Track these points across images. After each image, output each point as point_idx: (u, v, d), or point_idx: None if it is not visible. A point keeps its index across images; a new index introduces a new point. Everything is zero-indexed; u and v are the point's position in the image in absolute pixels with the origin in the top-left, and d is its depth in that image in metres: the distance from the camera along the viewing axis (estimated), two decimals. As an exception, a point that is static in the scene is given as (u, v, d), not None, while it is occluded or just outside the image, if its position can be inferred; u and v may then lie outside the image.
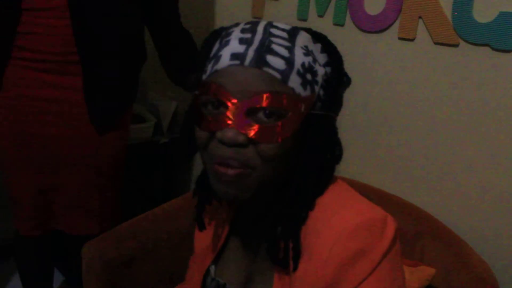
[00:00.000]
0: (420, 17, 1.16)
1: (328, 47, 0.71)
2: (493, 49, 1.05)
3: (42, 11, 1.18)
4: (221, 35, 0.72)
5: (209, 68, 0.68)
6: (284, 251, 0.67)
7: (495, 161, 1.08)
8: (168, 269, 1.20)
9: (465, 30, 1.08)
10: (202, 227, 0.82)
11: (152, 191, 2.04)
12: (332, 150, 0.71)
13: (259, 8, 1.58)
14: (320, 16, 1.39)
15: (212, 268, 0.83)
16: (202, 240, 0.88)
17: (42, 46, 1.20)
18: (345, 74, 0.72)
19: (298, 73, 0.66)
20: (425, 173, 1.22)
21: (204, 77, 0.70)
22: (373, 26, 1.26)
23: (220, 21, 1.77)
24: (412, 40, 1.19)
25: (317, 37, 0.71)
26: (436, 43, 1.14)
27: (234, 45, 0.66)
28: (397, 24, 1.21)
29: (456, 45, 1.11)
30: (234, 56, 0.65)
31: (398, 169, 1.27)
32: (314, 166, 0.69)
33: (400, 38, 1.21)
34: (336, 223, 0.65)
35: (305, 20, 1.43)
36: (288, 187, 0.69)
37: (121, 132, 1.38)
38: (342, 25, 1.34)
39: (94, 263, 1.09)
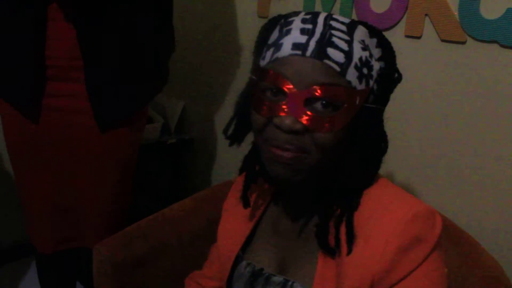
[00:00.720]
0: (426, 15, 1.15)
1: (383, 42, 0.74)
2: (501, 45, 1.04)
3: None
4: (279, 22, 0.74)
5: (268, 55, 0.71)
6: (335, 236, 0.70)
7: (505, 159, 1.08)
8: (177, 270, 1.20)
9: (472, 27, 1.07)
10: (246, 205, 0.84)
11: (161, 191, 2.05)
12: (380, 141, 0.74)
13: (264, 7, 1.58)
14: (326, 14, 1.38)
15: (240, 254, 0.85)
16: (229, 227, 0.90)
17: (49, 51, 1.18)
18: (397, 70, 0.76)
19: (356, 66, 0.68)
20: (434, 172, 1.21)
21: (262, 63, 0.72)
22: (380, 24, 1.25)
23: (226, 21, 1.77)
24: (419, 37, 1.18)
25: (373, 31, 0.74)
26: (443, 40, 1.14)
27: (295, 35, 0.68)
28: (403, 21, 1.21)
29: (463, 42, 1.10)
30: (296, 46, 0.67)
31: (406, 167, 1.27)
32: (364, 155, 0.73)
33: (407, 36, 1.20)
34: (394, 211, 0.68)
35: (311, 18, 1.42)
36: (337, 173, 0.73)
37: (132, 135, 1.35)
38: (348, 23, 1.34)
39: (104, 265, 1.10)
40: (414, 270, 0.66)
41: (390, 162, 1.31)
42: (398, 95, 1.30)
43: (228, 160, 1.87)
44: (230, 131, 0.80)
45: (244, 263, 0.82)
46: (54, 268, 1.51)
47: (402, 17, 1.21)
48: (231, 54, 1.78)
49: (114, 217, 1.39)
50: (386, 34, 1.23)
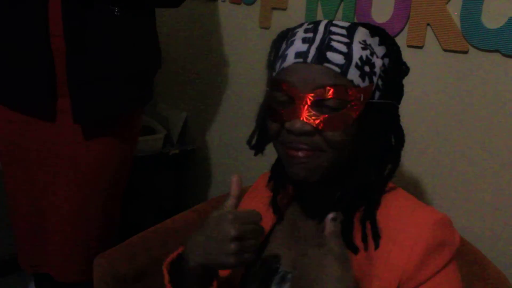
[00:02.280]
0: (428, 24, 1.15)
1: (386, 40, 0.78)
2: (503, 54, 1.03)
3: None
4: (287, 36, 0.80)
5: (277, 67, 0.77)
6: (362, 233, 0.74)
7: (509, 166, 1.07)
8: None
9: (474, 36, 1.07)
10: (276, 211, 0.86)
11: (163, 202, 2.04)
12: (394, 135, 0.79)
13: (266, 18, 1.58)
14: (328, 25, 1.38)
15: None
16: None
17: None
18: (404, 63, 0.80)
19: (356, 66, 0.72)
20: (435, 180, 1.20)
21: (274, 75, 0.78)
22: (381, 34, 1.25)
23: (227, 33, 1.78)
24: (421, 47, 1.18)
25: (375, 31, 0.78)
26: (445, 50, 1.13)
27: (298, 45, 0.73)
28: (405, 31, 1.20)
29: (465, 52, 1.10)
30: (298, 54, 0.73)
31: (406, 176, 1.26)
32: (376, 150, 0.76)
33: (409, 46, 1.20)
34: (420, 216, 0.73)
35: (312, 29, 1.42)
36: (353, 172, 0.76)
37: (121, 150, 1.33)
38: (349, 34, 1.33)
39: (105, 278, 1.09)
40: (437, 272, 0.70)
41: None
42: (400, 104, 1.29)
43: (231, 170, 1.86)
44: (253, 142, 0.86)
45: (259, 262, 0.84)
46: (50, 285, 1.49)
47: (404, 27, 1.20)
48: (233, 65, 1.78)
49: (94, 248, 1.34)
50: (388, 44, 1.25)
